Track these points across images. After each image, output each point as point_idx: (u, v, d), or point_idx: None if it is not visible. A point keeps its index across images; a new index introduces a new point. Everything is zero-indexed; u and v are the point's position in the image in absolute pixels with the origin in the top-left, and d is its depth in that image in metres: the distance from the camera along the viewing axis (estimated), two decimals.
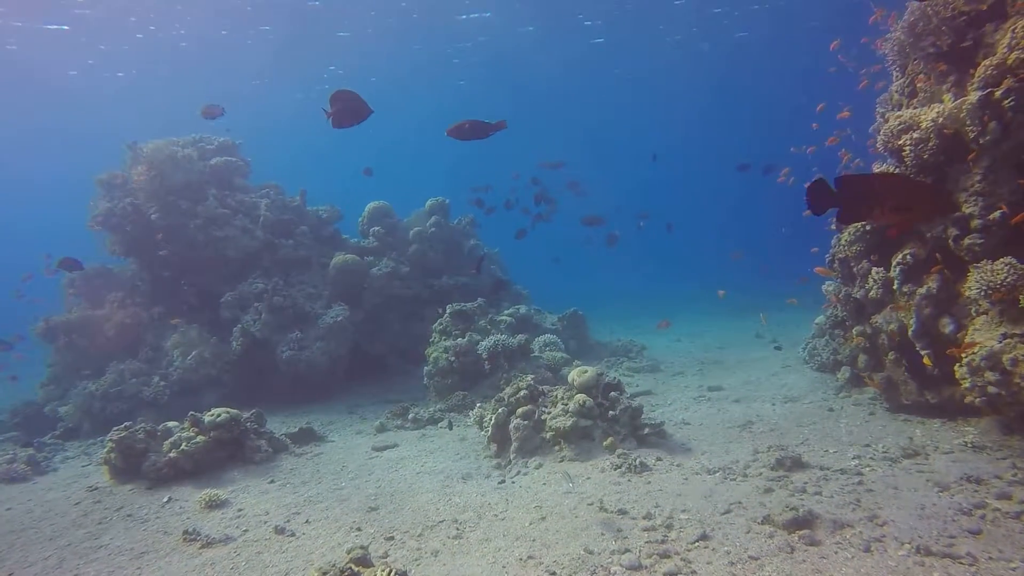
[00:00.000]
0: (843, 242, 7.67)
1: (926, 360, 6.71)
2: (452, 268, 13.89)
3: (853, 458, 5.74)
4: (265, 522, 5.39)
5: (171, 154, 11.12)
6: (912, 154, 6.07)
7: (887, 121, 6.49)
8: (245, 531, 5.21)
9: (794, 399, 8.28)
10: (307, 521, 5.38)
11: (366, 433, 8.77)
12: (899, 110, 7.57)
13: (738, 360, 11.86)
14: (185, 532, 4.97)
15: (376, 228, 13.70)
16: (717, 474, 5.64)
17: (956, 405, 6.54)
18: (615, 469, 5.89)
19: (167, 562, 4.60)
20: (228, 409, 7.08)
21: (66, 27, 24.82)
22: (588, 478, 5.80)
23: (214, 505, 5.72)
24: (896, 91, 7.57)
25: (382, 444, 7.74)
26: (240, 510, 5.72)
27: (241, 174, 13.14)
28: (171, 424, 6.92)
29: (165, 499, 5.95)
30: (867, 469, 5.42)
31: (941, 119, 5.80)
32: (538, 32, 29.56)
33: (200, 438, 6.60)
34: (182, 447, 6.38)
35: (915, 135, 6.04)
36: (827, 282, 8.99)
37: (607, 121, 46.26)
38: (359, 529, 5.11)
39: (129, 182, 11.29)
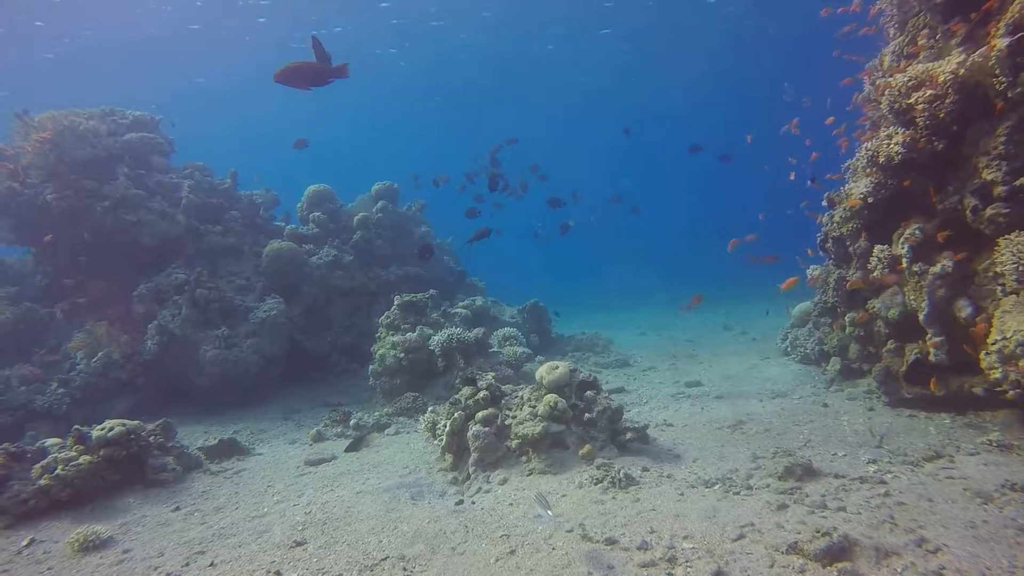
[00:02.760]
0: (836, 220, 6.94)
1: (903, 364, 6.08)
2: (401, 257, 12.73)
3: (868, 462, 4.94)
4: (156, 568, 4.20)
5: (71, 125, 9.60)
6: (926, 113, 5.31)
7: (892, 79, 5.74)
8: None
9: (782, 394, 7.52)
10: (212, 564, 4.22)
11: (301, 443, 7.59)
12: (890, 77, 6.90)
13: (712, 353, 11.14)
14: None
15: (317, 214, 12.42)
16: (716, 487, 4.75)
17: (964, 397, 5.87)
18: (595, 484, 4.93)
19: None
20: (124, 421, 5.81)
21: None
22: (564, 495, 4.82)
23: (91, 547, 4.48)
24: (889, 53, 6.87)
25: (317, 457, 6.58)
26: (126, 551, 4.49)
27: (161, 152, 11.62)
28: (49, 442, 5.60)
29: (25, 542, 4.64)
30: (889, 476, 4.62)
31: (963, 70, 5.05)
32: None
33: (84, 459, 5.31)
34: (58, 471, 5.08)
35: (929, 92, 5.29)
36: (812, 266, 8.30)
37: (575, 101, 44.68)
38: (278, 574, 3.99)
39: (18, 157, 9.69)
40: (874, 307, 6.62)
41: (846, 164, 7.16)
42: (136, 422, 5.97)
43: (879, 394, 6.72)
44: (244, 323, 10.08)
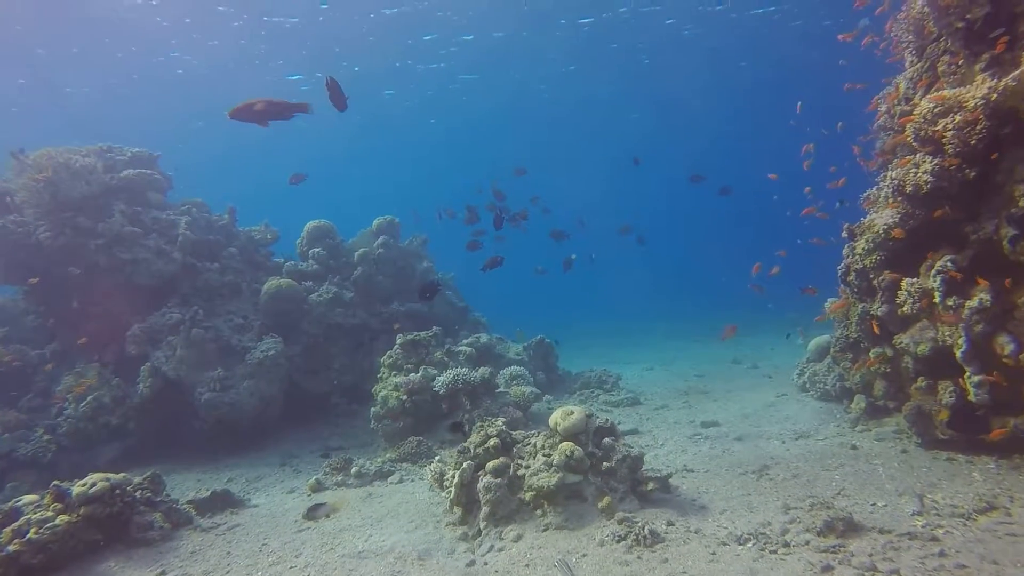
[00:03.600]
0: (859, 251, 6.64)
1: (943, 415, 5.72)
2: (403, 293, 12.42)
3: (913, 515, 4.54)
4: None
5: (66, 162, 9.39)
6: (956, 139, 5.07)
7: (917, 105, 5.52)
8: None
9: (805, 435, 7.13)
10: None
11: (300, 492, 7.16)
12: (907, 103, 6.70)
13: (725, 390, 10.73)
14: None
15: (316, 250, 12.15)
16: (750, 544, 4.34)
17: (1008, 439, 5.49)
18: (618, 541, 4.52)
19: None
20: (108, 475, 5.41)
21: None
22: (584, 555, 4.41)
23: None
24: (906, 80, 6.68)
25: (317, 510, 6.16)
26: None
27: (158, 189, 11.41)
28: (25, 500, 5.19)
29: None
30: (940, 531, 4.22)
31: (995, 95, 4.82)
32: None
33: (62, 519, 4.91)
34: (30, 535, 4.68)
35: (959, 118, 5.06)
36: (830, 299, 7.99)
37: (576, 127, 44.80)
38: None
39: (9, 195, 9.47)
40: (901, 342, 6.28)
41: (865, 194, 6.92)
42: (122, 476, 5.57)
43: (911, 435, 6.34)
44: (241, 364, 9.71)
